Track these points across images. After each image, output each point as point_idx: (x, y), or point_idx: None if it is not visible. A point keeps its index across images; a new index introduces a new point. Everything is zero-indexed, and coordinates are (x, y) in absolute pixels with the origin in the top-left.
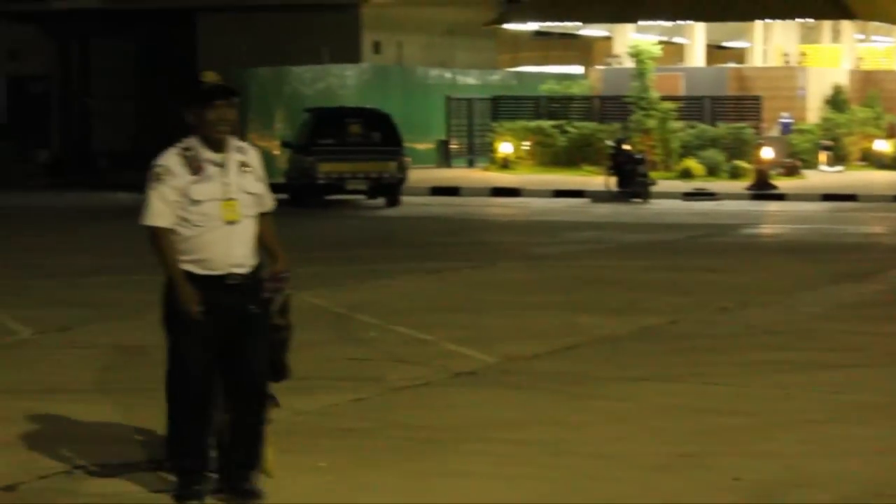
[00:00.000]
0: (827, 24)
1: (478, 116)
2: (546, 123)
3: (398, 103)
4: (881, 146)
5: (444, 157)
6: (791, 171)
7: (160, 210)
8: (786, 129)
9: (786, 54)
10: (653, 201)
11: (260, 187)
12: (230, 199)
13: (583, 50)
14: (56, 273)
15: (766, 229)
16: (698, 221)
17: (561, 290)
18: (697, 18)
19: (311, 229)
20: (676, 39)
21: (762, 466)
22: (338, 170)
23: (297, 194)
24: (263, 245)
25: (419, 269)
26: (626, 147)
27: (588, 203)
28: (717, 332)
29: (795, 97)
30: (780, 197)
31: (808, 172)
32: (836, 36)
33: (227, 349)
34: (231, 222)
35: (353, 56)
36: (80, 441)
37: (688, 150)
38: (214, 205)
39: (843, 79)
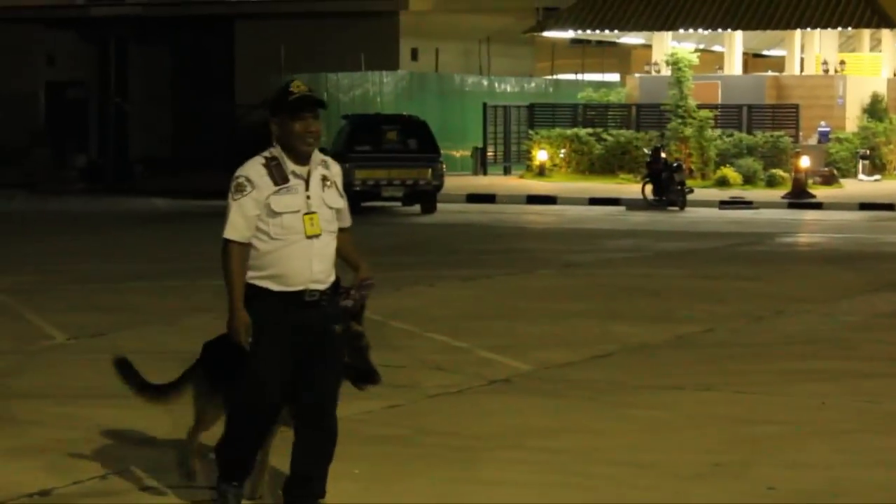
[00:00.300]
0: (866, 33)
1: (514, 124)
2: (583, 131)
3: (435, 110)
4: None
5: (481, 164)
6: (828, 180)
7: (237, 224)
8: (824, 137)
9: (825, 63)
10: (689, 209)
11: (342, 202)
12: (312, 213)
13: (620, 58)
14: (92, 278)
15: (803, 238)
16: (734, 230)
17: (596, 298)
18: (736, 27)
19: None
20: (714, 48)
21: (797, 476)
22: (374, 176)
23: None
24: (342, 257)
25: (454, 277)
26: (663, 155)
27: (624, 211)
28: (753, 341)
29: (834, 106)
30: (818, 206)
31: (845, 181)
32: (875, 44)
33: (299, 369)
34: (312, 236)
35: (390, 63)
36: (113, 446)
37: (724, 158)
38: (295, 217)
39: (882, 87)
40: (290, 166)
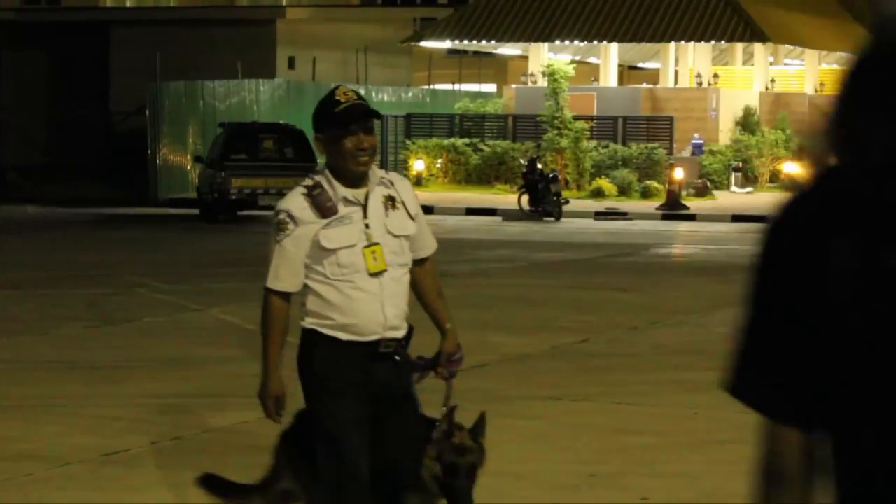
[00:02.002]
0: (739, 47)
1: (391, 133)
2: (459, 141)
3: (311, 119)
4: (790, 168)
5: None
6: (702, 192)
7: (280, 272)
8: (697, 149)
9: (698, 75)
10: (564, 220)
11: (413, 226)
12: (373, 245)
13: (497, 68)
14: None
15: (677, 249)
16: (610, 241)
17: (472, 308)
18: (611, 39)
19: (222, 245)
20: (590, 59)
21: (670, 486)
22: (250, 185)
23: (208, 209)
24: (422, 301)
25: None
26: (539, 166)
27: (500, 221)
28: (628, 352)
29: (707, 118)
30: (691, 217)
31: (718, 193)
32: (748, 58)
33: (372, 436)
34: (377, 273)
35: (267, 71)
36: None
37: (600, 169)
38: (353, 253)
39: (754, 101)
40: (341, 191)
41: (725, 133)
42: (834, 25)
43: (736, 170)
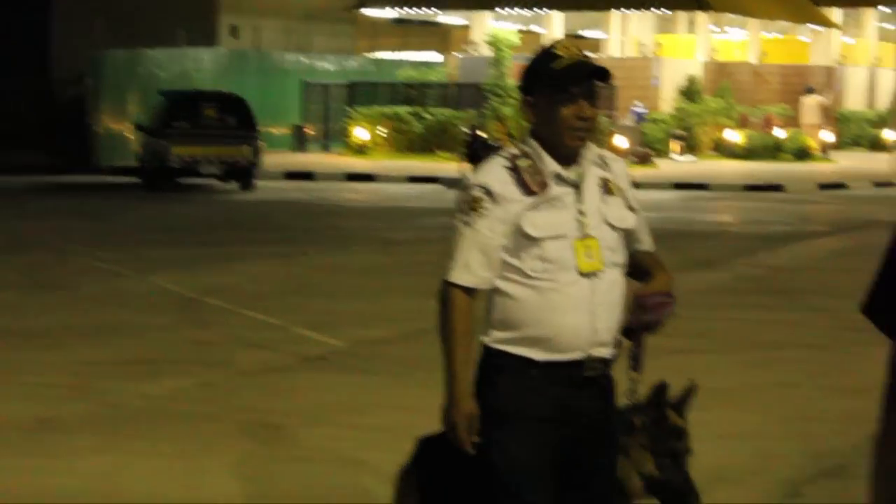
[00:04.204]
0: (683, 15)
1: (334, 102)
2: (402, 109)
3: (254, 87)
4: (732, 136)
5: (300, 141)
6: (643, 160)
7: (471, 261)
8: (639, 118)
9: (641, 44)
10: None
11: (633, 219)
12: (588, 237)
13: (441, 37)
14: None
15: None
16: None
17: (413, 275)
18: (555, 7)
19: (163, 213)
20: (534, 28)
21: None
22: (191, 153)
23: (149, 178)
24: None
25: (272, 254)
26: (482, 134)
27: (442, 189)
28: None
29: (649, 87)
30: (634, 185)
31: (660, 161)
32: (691, 27)
33: (564, 475)
34: (589, 273)
35: (209, 39)
36: None
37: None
38: (564, 246)
39: (696, 70)
40: (552, 166)
41: (668, 102)
42: None
43: (678, 138)
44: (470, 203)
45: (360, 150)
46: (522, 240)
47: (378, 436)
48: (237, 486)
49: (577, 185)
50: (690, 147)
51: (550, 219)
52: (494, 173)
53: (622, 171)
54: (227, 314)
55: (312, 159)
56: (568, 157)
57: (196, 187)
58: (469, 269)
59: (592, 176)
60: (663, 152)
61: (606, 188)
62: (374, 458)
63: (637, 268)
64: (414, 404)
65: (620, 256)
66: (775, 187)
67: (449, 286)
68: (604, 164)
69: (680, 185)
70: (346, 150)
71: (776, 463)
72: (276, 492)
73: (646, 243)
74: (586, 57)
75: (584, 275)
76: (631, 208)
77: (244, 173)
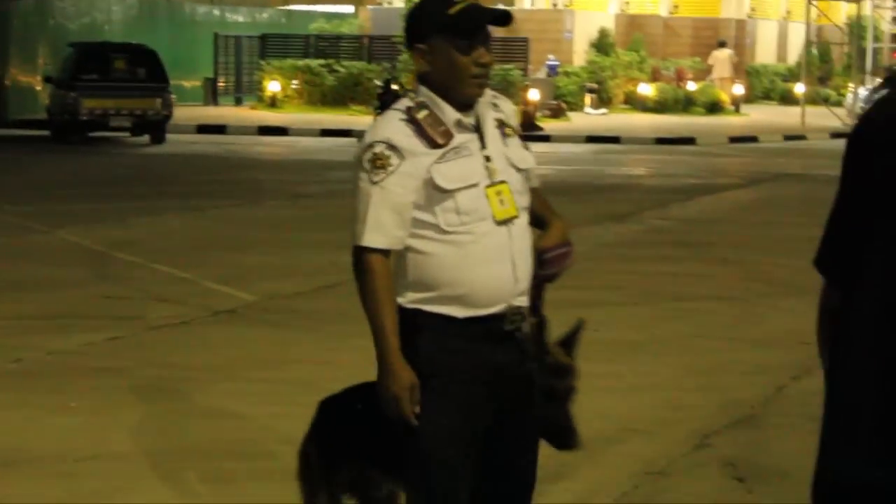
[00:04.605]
0: None
1: (246, 54)
2: (315, 62)
3: (165, 40)
4: (644, 89)
5: (211, 94)
6: (556, 113)
7: (383, 221)
8: (552, 71)
9: None
10: None
11: (531, 158)
12: (498, 183)
13: None
14: None
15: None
16: None
17: (324, 229)
18: None
19: (73, 166)
20: None
21: None
22: (102, 106)
23: (59, 131)
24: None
25: (183, 208)
26: (395, 87)
27: (355, 143)
28: None
29: (562, 40)
30: (546, 138)
31: (573, 115)
32: None
33: (486, 438)
34: (505, 221)
35: None
36: None
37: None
38: (476, 195)
39: (608, 22)
40: (451, 113)
41: (580, 55)
42: None
43: (590, 91)
44: (374, 160)
45: (273, 103)
46: (435, 193)
47: (289, 389)
48: (145, 440)
49: (478, 131)
50: (603, 100)
51: (460, 168)
52: (395, 127)
53: (511, 111)
54: (136, 268)
55: (224, 112)
56: (465, 103)
57: (106, 140)
58: (383, 230)
59: (490, 119)
60: (576, 106)
61: (504, 130)
62: (284, 412)
63: (532, 213)
64: (325, 358)
65: (527, 199)
66: (686, 140)
67: (364, 251)
68: (495, 105)
69: (592, 139)
70: (259, 104)
71: (686, 414)
72: (184, 445)
73: (535, 181)
74: (479, 3)
75: (500, 223)
76: (527, 148)
77: (155, 127)
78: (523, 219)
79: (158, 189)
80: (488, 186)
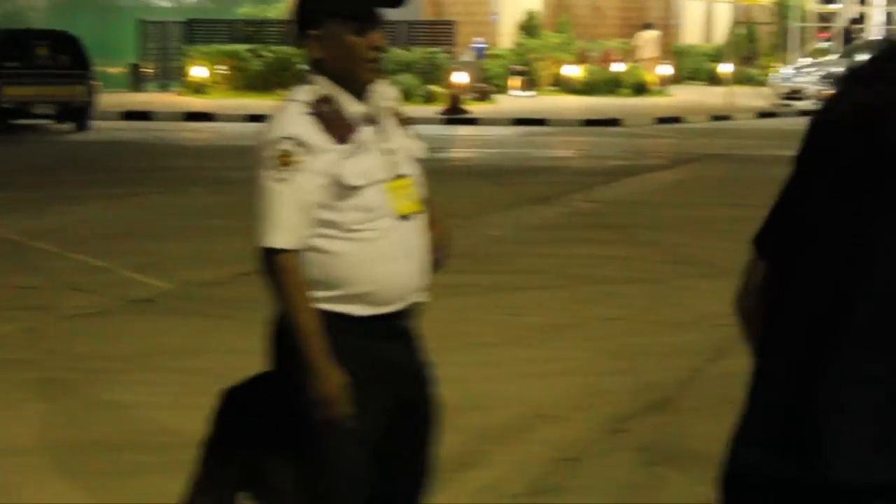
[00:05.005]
0: None
1: (171, 40)
2: (241, 47)
3: (88, 25)
4: (572, 71)
5: (137, 81)
6: (483, 96)
7: (289, 221)
8: (479, 54)
9: None
10: None
11: (422, 146)
12: (401, 177)
13: None
14: None
15: (457, 153)
16: None
17: (245, 216)
18: None
19: None
20: None
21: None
22: (24, 93)
23: None
24: None
25: (105, 195)
26: None
27: None
28: None
29: (489, 22)
30: (473, 121)
31: (499, 97)
32: None
33: (384, 435)
34: (409, 215)
35: None
36: None
37: (383, 74)
38: (381, 190)
39: (536, 4)
40: (354, 107)
41: (507, 37)
42: None
43: (517, 73)
44: (281, 157)
45: (199, 89)
46: (341, 191)
47: (202, 380)
48: (50, 433)
49: (376, 122)
50: (530, 82)
51: (366, 163)
52: (300, 122)
53: (395, 97)
54: (52, 257)
55: (150, 99)
56: (361, 92)
57: (29, 128)
58: (291, 230)
59: (385, 109)
60: (503, 88)
61: (399, 120)
62: (195, 403)
63: None
64: (243, 346)
65: (424, 191)
66: (613, 121)
67: (274, 252)
68: (385, 94)
69: (520, 121)
70: (185, 90)
71: (602, 398)
72: (91, 438)
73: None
74: None
75: (403, 217)
76: (416, 135)
77: (79, 114)
78: (422, 212)
79: (79, 177)
80: (392, 180)
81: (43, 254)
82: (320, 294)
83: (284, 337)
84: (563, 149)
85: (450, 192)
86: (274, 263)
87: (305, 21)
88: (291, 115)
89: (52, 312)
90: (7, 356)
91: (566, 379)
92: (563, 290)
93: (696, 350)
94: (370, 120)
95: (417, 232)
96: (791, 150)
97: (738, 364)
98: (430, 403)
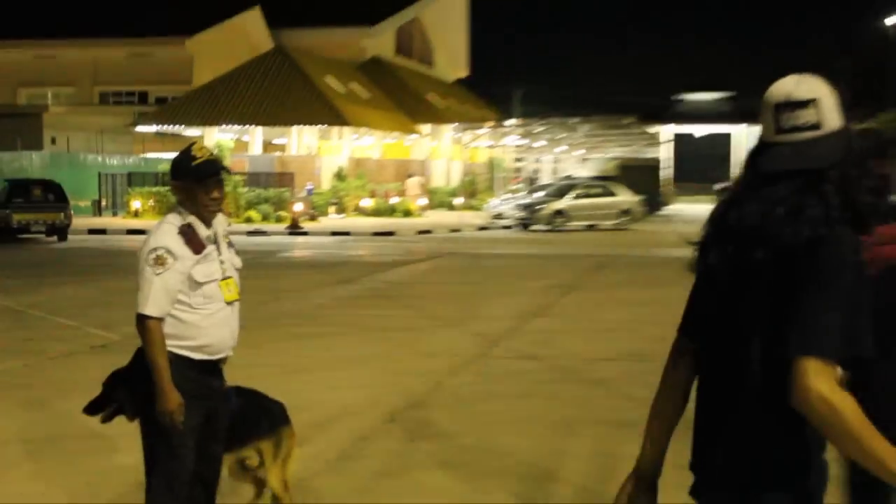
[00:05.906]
0: (335, 129)
1: (119, 185)
2: (163, 188)
3: (67, 176)
4: (366, 202)
5: (97, 210)
6: (313, 218)
7: (160, 300)
8: (309, 192)
9: (309, 147)
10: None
11: (240, 261)
12: (227, 278)
13: (186, 142)
14: None
15: (296, 253)
16: (255, 249)
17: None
18: (257, 124)
19: (7, 256)
20: (244, 137)
21: None
22: (26, 218)
23: None
24: None
25: (76, 281)
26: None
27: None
28: (259, 316)
29: (314, 174)
30: (306, 233)
31: (323, 219)
32: (340, 135)
33: (201, 432)
34: (232, 302)
35: (37, 145)
36: None
37: (250, 204)
38: (215, 285)
39: (343, 162)
40: (204, 231)
41: (327, 181)
42: (390, 116)
43: (334, 204)
44: (157, 259)
45: (136, 214)
46: (192, 284)
47: None
48: (34, 430)
49: (216, 242)
50: (341, 209)
51: (208, 268)
52: (171, 237)
53: (226, 224)
54: (42, 320)
55: (105, 221)
56: (208, 222)
57: (30, 240)
58: (159, 305)
59: (221, 234)
60: (325, 213)
61: (229, 242)
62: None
63: None
64: None
65: (240, 287)
66: (391, 233)
67: (146, 318)
68: (222, 224)
69: (335, 233)
70: (127, 215)
71: (381, 401)
72: (64, 432)
73: None
74: (215, 156)
75: (228, 303)
76: (237, 252)
77: (60, 231)
78: (239, 301)
79: (60, 269)
80: (222, 280)
81: (36, 317)
82: (174, 343)
83: (145, 366)
84: (361, 250)
85: (292, 276)
86: (145, 324)
87: (173, 175)
88: (166, 232)
89: (41, 355)
90: (12, 381)
91: (361, 390)
92: (359, 335)
93: (438, 370)
94: (212, 240)
95: (235, 313)
96: (501, 251)
97: (465, 379)
98: (228, 413)
